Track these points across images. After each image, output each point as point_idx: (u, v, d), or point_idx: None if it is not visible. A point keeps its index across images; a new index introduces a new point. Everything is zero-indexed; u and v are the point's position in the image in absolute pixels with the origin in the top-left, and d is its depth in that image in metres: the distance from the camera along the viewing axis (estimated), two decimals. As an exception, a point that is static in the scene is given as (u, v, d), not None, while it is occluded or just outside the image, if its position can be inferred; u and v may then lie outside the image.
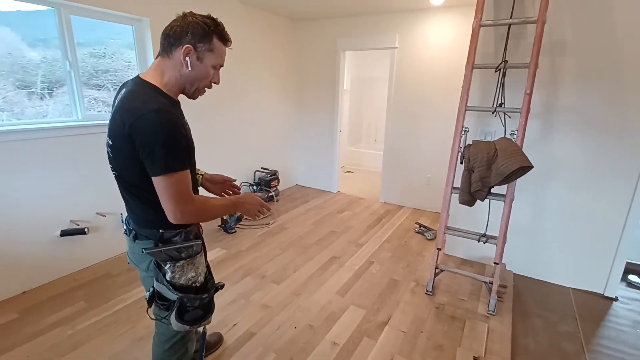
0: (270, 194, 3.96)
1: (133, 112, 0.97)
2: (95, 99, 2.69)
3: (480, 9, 2.12)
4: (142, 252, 1.10)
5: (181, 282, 1.13)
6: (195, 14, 1.05)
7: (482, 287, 2.39)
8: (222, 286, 1.28)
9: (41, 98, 2.38)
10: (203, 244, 1.21)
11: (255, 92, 3.86)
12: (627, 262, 2.42)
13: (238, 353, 1.76)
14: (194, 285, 1.15)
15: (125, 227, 1.18)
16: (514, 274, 2.61)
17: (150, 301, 1.16)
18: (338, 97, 4.22)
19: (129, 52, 2.82)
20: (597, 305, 2.29)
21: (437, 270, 2.34)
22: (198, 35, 1.03)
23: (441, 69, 3.47)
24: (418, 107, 3.71)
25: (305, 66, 4.39)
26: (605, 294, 2.37)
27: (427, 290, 2.32)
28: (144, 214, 1.09)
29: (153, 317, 1.21)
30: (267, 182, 3.92)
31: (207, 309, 1.19)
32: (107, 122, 1.08)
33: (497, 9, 2.31)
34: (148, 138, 0.95)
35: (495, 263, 2.10)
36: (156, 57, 1.09)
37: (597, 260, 2.35)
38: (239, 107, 3.69)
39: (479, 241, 2.15)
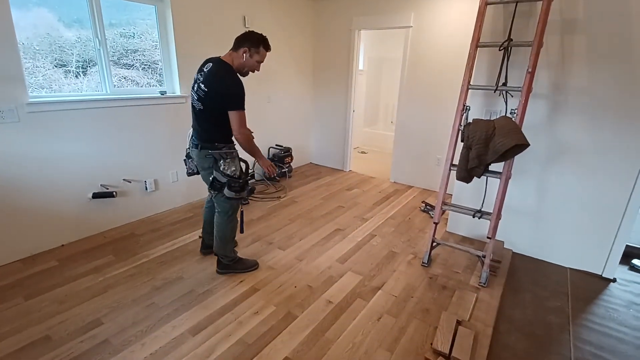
0: (283, 170, 4.14)
1: (225, 76, 1.85)
2: (125, 78, 2.89)
3: (488, -14, 2.12)
4: (205, 156, 1.96)
5: (228, 172, 1.96)
6: (254, 31, 1.92)
7: (477, 263, 2.48)
8: (250, 179, 2.25)
9: (76, 76, 2.61)
10: (239, 157, 2.04)
11: (273, 70, 3.99)
12: (629, 246, 2.43)
13: (243, 304, 1.97)
14: (234, 175, 1.98)
15: (191, 145, 2.07)
16: (514, 252, 2.67)
17: (211, 185, 1.99)
18: (353, 77, 4.27)
19: (156, 33, 2.99)
20: (593, 285, 2.33)
21: (434, 244, 2.44)
22: (253, 43, 1.88)
23: (456, 49, 3.44)
24: (431, 87, 3.71)
25: (322, 45, 4.45)
26: (603, 275, 2.40)
27: (422, 262, 2.44)
28: (212, 132, 1.95)
29: (211, 193, 2.09)
30: (280, 158, 4.10)
31: (243, 187, 2.02)
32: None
33: (508, -14, 2.28)
34: (231, 90, 1.84)
35: (488, 237, 2.18)
36: (229, 51, 1.93)
37: (597, 242, 2.37)
38: (258, 84, 3.84)
39: (474, 216, 2.23)
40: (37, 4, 2.33)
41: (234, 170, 1.97)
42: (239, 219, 2.21)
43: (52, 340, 1.67)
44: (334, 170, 4.73)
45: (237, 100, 1.83)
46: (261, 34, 1.91)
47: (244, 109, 1.87)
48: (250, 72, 1.98)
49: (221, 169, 1.95)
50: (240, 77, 1.93)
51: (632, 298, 2.22)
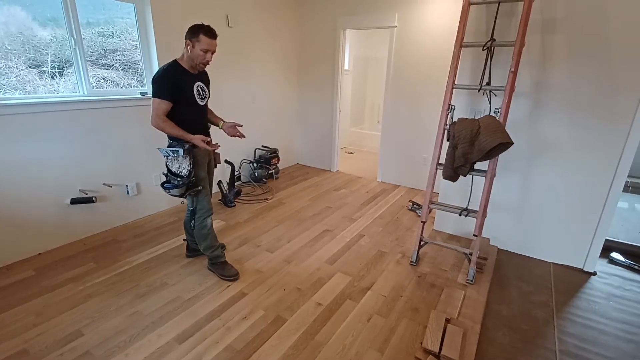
0: (269, 172, 4.09)
1: (159, 69, 1.95)
2: (104, 79, 2.78)
3: (470, -13, 2.14)
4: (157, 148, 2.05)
5: (172, 169, 1.99)
6: (196, 23, 1.88)
7: (464, 261, 2.51)
8: (200, 189, 2.07)
9: (52, 77, 2.49)
10: (195, 160, 2.02)
11: (257, 70, 3.94)
12: (608, 240, 2.50)
13: (231, 309, 1.93)
14: (180, 173, 1.98)
15: None
16: (499, 249, 2.72)
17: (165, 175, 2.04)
18: (338, 76, 4.27)
19: (136, 32, 2.90)
20: (575, 279, 2.39)
21: (422, 243, 2.46)
22: (193, 33, 1.86)
23: (440, 49, 3.47)
24: (416, 87, 3.74)
25: (307, 45, 4.43)
26: (584, 269, 2.47)
27: (411, 261, 2.45)
28: None
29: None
30: (267, 159, 4.05)
31: (187, 189, 2.01)
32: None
33: (489, -13, 2.32)
34: (153, 77, 1.89)
35: (474, 235, 2.21)
36: None
37: (578, 237, 2.43)
38: (241, 84, 3.78)
39: (460, 215, 2.25)
40: (9, 2, 2.22)
41: (177, 167, 1.98)
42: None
43: (30, 354, 1.59)
44: (321, 170, 4.71)
45: (153, 87, 1.87)
46: (201, 23, 1.87)
47: (160, 98, 1.85)
48: (204, 65, 1.95)
49: (167, 163, 2.01)
50: (195, 72, 1.99)
51: (611, 290, 2.29)
